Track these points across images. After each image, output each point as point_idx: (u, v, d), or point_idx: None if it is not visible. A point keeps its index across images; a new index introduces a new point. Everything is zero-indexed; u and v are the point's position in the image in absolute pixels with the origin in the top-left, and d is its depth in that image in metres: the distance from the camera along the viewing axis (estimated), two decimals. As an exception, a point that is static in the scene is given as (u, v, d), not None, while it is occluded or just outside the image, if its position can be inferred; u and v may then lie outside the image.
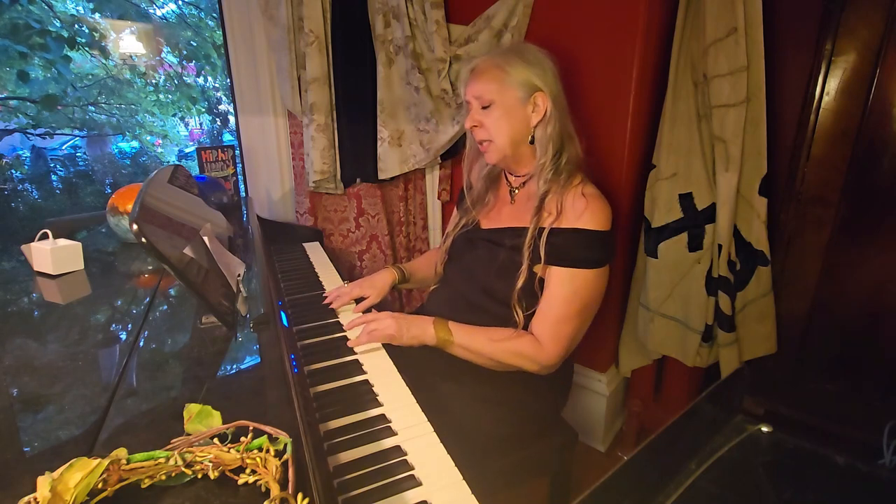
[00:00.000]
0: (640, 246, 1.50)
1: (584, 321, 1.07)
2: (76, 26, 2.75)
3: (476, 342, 1.03)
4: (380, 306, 1.25)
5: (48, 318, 0.99)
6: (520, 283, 1.04)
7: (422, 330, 1.04)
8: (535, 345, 1.02)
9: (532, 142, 1.08)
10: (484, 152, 1.11)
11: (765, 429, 0.71)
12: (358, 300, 1.23)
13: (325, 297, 1.23)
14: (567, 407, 1.26)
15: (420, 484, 0.69)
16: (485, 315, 1.09)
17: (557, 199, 1.05)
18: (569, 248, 1.02)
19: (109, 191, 3.03)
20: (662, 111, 1.37)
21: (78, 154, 3.23)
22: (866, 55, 1.22)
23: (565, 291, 1.02)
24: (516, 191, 1.16)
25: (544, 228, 1.03)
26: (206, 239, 0.99)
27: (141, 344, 0.84)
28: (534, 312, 1.05)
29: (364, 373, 0.95)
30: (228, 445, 0.54)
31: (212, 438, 0.56)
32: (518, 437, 1.11)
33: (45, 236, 1.12)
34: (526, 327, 1.06)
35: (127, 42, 3.05)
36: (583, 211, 1.02)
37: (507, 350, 1.03)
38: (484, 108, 1.06)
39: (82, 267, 1.14)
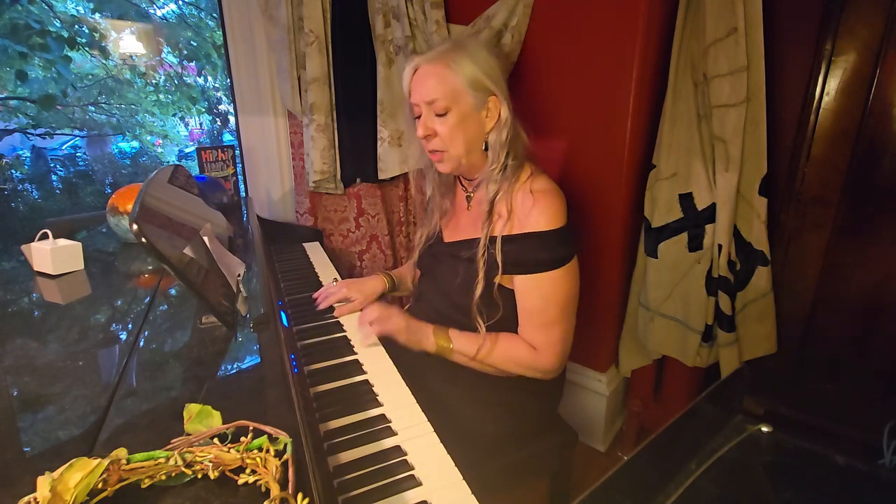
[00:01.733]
0: (640, 246, 1.50)
1: (570, 319, 1.04)
2: (76, 26, 2.75)
3: (474, 350, 1.03)
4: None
5: (48, 318, 0.99)
6: (477, 292, 1.00)
7: (424, 335, 1.05)
8: (532, 352, 1.02)
9: (486, 148, 1.03)
10: (436, 161, 1.05)
11: (765, 429, 0.71)
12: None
13: (314, 297, 1.22)
14: (567, 407, 1.26)
15: (420, 484, 0.69)
16: (459, 328, 1.08)
17: (507, 199, 1.01)
18: (525, 253, 0.98)
19: (109, 191, 3.03)
20: (662, 111, 1.37)
21: (78, 154, 3.23)
22: (866, 55, 1.22)
23: (536, 301, 1.00)
24: (472, 195, 1.12)
25: (496, 238, 0.99)
26: (206, 239, 0.99)
27: (141, 344, 0.84)
28: (498, 321, 1.02)
29: (364, 373, 0.95)
30: (228, 445, 0.54)
31: (212, 438, 0.56)
32: (518, 437, 1.11)
33: (45, 236, 1.12)
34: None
35: (127, 42, 3.04)
36: (530, 210, 0.97)
37: (505, 358, 1.03)
38: (438, 115, 0.99)
39: (82, 267, 1.14)
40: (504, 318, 1.03)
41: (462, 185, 1.15)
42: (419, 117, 1.03)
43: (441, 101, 0.98)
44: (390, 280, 1.30)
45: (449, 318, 1.10)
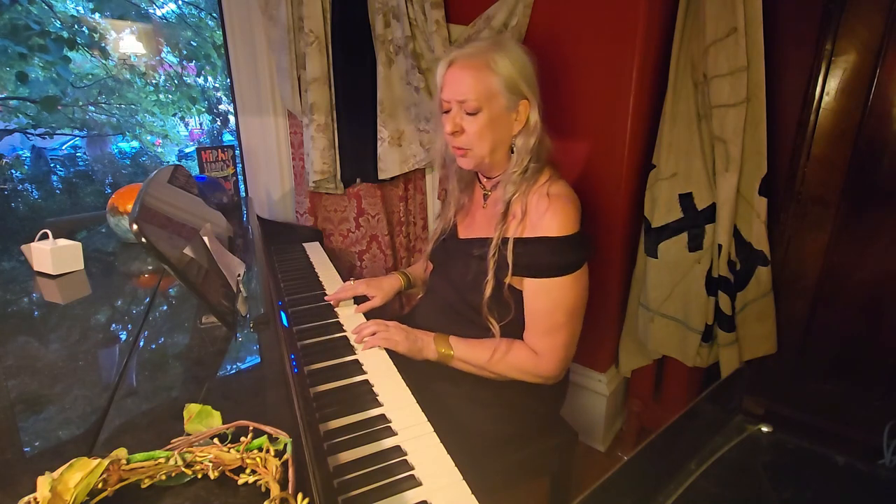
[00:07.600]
0: (640, 246, 1.50)
1: (576, 326, 1.04)
2: (76, 27, 2.75)
3: (475, 357, 1.03)
4: (382, 307, 1.25)
5: (48, 318, 0.99)
6: (486, 292, 1.00)
7: (425, 344, 1.05)
8: (534, 358, 1.02)
9: (511, 150, 1.03)
10: (459, 157, 1.04)
11: (765, 429, 0.71)
12: (358, 300, 1.23)
13: (328, 300, 1.23)
14: (567, 407, 1.26)
15: (420, 484, 0.69)
16: (470, 325, 1.08)
17: (523, 200, 1.01)
18: (536, 257, 0.98)
19: (109, 191, 3.03)
20: (662, 111, 1.37)
21: (78, 154, 3.23)
22: (866, 55, 1.22)
23: (545, 304, 1.00)
24: (489, 193, 1.12)
25: (508, 239, 0.99)
26: (206, 239, 0.99)
27: (141, 344, 0.84)
28: (509, 322, 1.02)
29: (364, 373, 0.95)
30: (228, 445, 0.54)
31: (212, 438, 0.56)
32: (518, 437, 1.11)
33: (45, 236, 1.12)
34: (503, 336, 1.03)
35: (127, 42, 3.05)
36: (543, 214, 0.97)
37: (507, 365, 1.03)
38: (469, 114, 0.98)
39: (82, 267, 1.14)
40: (514, 320, 1.03)
41: (480, 183, 1.15)
42: (448, 112, 1.01)
43: (474, 100, 0.96)
44: (406, 278, 1.31)
45: (459, 313, 1.11)
